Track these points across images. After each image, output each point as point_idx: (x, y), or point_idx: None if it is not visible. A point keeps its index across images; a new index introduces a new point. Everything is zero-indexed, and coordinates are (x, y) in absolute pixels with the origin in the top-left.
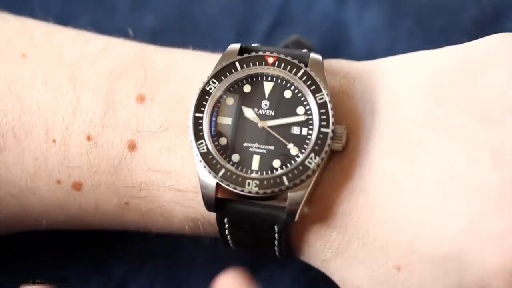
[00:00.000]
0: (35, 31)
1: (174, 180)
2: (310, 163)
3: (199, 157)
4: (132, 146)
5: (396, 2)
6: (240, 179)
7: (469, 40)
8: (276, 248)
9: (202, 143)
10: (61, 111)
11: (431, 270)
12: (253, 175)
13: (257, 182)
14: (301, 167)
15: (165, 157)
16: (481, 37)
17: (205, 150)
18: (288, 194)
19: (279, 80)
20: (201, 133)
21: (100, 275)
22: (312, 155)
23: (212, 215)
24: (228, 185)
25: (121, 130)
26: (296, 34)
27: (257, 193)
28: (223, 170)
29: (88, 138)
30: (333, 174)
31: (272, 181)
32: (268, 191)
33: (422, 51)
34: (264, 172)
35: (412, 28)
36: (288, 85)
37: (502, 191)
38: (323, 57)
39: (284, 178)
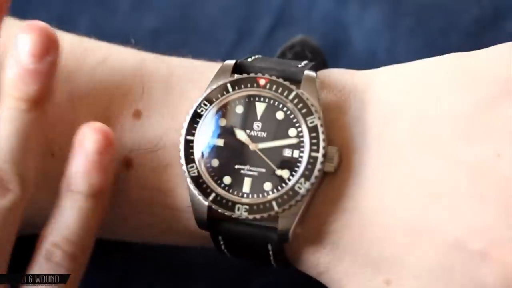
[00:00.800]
0: None
1: (170, 200)
2: (300, 188)
3: (190, 181)
4: (128, 164)
5: (396, 3)
6: (230, 203)
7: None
8: (272, 262)
9: (193, 166)
10: (59, 125)
11: (420, 285)
12: (244, 199)
13: (247, 207)
14: (291, 192)
15: (160, 176)
16: (481, 37)
17: (196, 174)
18: (279, 218)
19: (272, 101)
20: (192, 156)
21: (99, 275)
22: (302, 180)
23: None
24: (218, 209)
25: (117, 148)
26: (302, 34)
27: (246, 218)
28: (213, 195)
29: None
30: (325, 194)
31: (262, 206)
32: (258, 216)
33: (421, 60)
34: (255, 195)
35: (412, 28)
36: (281, 106)
37: (481, 208)
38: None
39: (274, 203)
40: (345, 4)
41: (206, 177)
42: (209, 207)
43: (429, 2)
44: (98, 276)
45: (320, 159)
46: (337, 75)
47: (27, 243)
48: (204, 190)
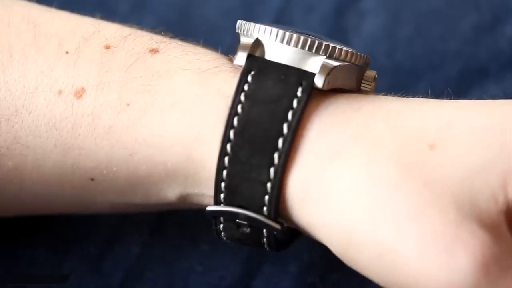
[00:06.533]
0: None
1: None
2: None
3: None
4: (154, 50)
5: (396, 10)
6: None
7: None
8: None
9: None
10: (81, 31)
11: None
12: None
13: None
14: None
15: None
16: (480, 43)
17: None
18: None
19: None
20: None
21: (98, 279)
22: None
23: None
24: None
25: (145, 39)
26: None
27: None
28: None
29: (107, 47)
30: None
31: None
32: None
33: None
34: None
35: (411, 35)
36: None
37: None
38: None
39: None
40: (344, 9)
41: None
42: None
43: (427, 9)
44: (96, 280)
45: None
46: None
47: (25, 240)
48: None
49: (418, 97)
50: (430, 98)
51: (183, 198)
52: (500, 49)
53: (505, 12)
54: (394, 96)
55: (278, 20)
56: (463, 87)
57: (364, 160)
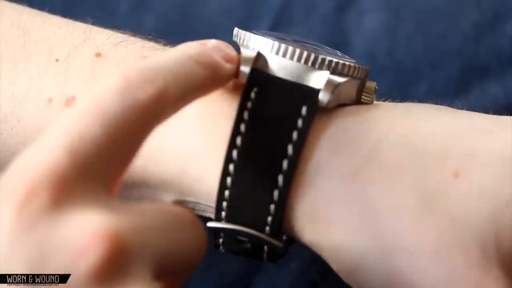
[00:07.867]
0: None
1: None
2: None
3: None
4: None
5: (396, 9)
6: None
7: None
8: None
9: None
10: (72, 38)
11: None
12: None
13: None
14: None
15: None
16: (480, 41)
17: None
18: None
19: None
20: None
21: None
22: None
23: None
24: None
25: (137, 46)
26: None
27: None
28: None
29: (98, 55)
30: None
31: None
32: None
33: None
34: None
35: (412, 33)
36: None
37: None
38: None
39: None
40: (345, 8)
41: None
42: None
43: (428, 7)
44: None
45: None
46: None
47: None
48: None
49: (419, 100)
50: (431, 96)
51: (179, 202)
52: (500, 48)
53: (505, 11)
54: (396, 102)
55: (279, 18)
56: (464, 86)
57: (382, 185)
